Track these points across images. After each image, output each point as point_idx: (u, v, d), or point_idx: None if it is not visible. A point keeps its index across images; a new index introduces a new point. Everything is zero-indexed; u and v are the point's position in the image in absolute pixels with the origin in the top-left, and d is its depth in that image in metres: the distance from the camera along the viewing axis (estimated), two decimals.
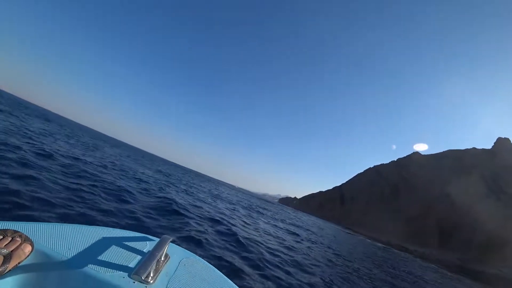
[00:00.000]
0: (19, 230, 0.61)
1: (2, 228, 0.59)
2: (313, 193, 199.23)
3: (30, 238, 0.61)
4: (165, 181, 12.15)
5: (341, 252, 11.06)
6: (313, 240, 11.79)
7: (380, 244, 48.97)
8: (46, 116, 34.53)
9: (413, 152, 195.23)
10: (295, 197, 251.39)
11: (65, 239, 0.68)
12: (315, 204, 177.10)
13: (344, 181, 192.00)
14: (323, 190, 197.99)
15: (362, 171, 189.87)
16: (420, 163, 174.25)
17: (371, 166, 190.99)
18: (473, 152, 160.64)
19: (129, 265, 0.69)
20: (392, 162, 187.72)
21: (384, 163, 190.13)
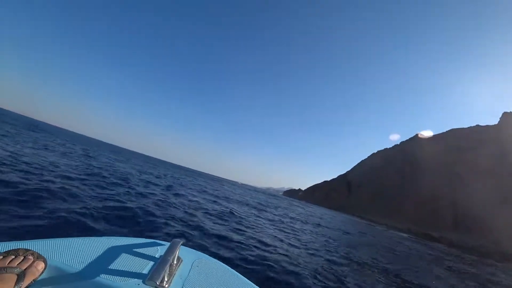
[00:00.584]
0: (30, 249, 0.62)
1: (13, 248, 0.61)
2: (317, 183, 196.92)
3: (42, 255, 0.62)
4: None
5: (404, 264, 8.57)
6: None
7: (404, 234, 45.81)
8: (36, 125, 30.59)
9: (416, 134, 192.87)
10: (299, 189, 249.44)
11: (76, 252, 0.70)
12: (321, 194, 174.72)
13: (349, 169, 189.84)
14: (328, 179, 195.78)
15: (366, 157, 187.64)
16: (423, 145, 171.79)
17: (375, 151, 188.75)
18: (477, 129, 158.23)
19: (143, 272, 0.70)
20: (396, 146, 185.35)
21: (388, 147, 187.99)
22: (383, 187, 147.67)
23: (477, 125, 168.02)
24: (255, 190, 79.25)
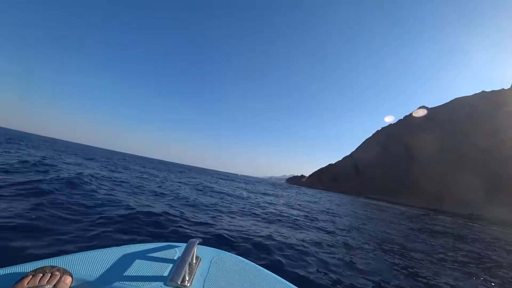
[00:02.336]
0: (55, 265, 0.66)
1: (40, 266, 0.64)
2: (322, 168, 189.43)
3: (68, 270, 0.66)
4: None
5: None
6: None
7: (448, 218, 37.23)
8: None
9: (419, 107, 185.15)
10: (302, 175, 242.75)
11: (98, 264, 0.73)
12: (328, 178, 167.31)
13: (353, 149, 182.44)
14: (332, 162, 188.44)
15: (370, 135, 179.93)
16: (429, 117, 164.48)
17: (379, 129, 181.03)
18: (484, 95, 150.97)
19: (164, 274, 0.72)
20: (400, 121, 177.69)
21: (392, 123, 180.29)
22: (393, 165, 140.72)
23: (483, 91, 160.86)
24: (260, 181, 71.90)
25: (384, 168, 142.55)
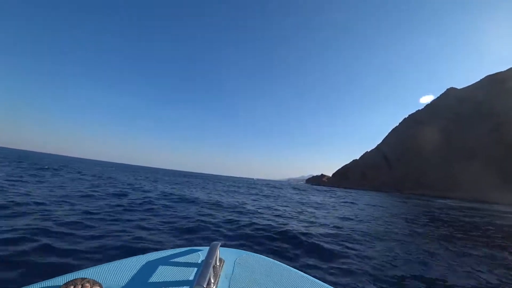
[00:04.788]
0: (85, 277, 0.67)
1: (70, 279, 0.65)
2: (346, 164, 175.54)
3: (97, 281, 0.67)
4: None
5: None
6: None
7: None
8: None
9: (448, 88, 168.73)
10: (321, 174, 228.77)
11: (125, 273, 0.75)
12: (355, 175, 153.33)
13: (379, 142, 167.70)
14: (356, 158, 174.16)
15: (397, 124, 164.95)
16: (462, 97, 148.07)
17: (405, 116, 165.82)
18: None
19: (189, 279, 0.73)
20: (428, 106, 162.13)
21: (420, 109, 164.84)
22: (429, 154, 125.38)
23: None
24: (280, 183, 62.42)
25: (421, 158, 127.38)
